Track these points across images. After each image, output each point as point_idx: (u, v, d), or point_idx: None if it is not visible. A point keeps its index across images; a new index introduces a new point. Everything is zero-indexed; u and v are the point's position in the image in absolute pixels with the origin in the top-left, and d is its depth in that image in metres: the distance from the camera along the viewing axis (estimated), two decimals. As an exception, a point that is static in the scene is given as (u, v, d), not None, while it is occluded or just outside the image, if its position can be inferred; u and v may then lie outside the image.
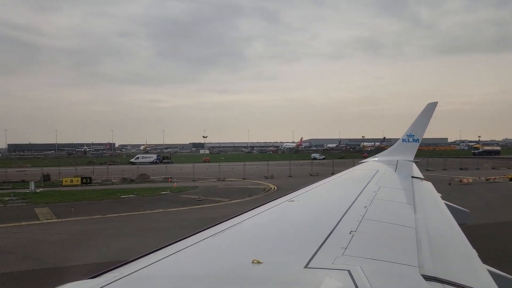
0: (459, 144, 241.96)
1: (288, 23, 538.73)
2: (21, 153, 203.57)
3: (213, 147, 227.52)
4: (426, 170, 64.23)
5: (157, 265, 2.50)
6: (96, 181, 52.49)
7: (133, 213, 29.34)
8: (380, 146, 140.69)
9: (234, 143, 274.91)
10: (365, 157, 18.67)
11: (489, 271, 2.93)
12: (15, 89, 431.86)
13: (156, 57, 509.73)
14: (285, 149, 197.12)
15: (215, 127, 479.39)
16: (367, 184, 6.43)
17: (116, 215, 28.48)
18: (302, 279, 2.24)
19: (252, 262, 2.40)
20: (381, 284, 2.19)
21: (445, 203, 5.86)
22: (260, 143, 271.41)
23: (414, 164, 11.47)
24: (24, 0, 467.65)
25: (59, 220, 27.02)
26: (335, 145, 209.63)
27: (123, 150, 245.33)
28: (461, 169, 67.03)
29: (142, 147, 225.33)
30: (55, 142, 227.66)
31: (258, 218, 3.99)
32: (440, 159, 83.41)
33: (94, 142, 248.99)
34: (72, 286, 2.17)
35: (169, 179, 52.08)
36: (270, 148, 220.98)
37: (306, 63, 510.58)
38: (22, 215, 28.43)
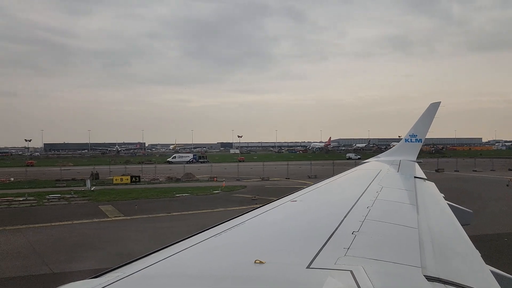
0: (494, 144, 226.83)
1: (315, 21, 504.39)
2: (56, 152, 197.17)
3: (241, 147, 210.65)
4: (473, 171, 59.88)
5: (160, 265, 2.39)
6: (143, 180, 50.91)
7: (196, 211, 28.35)
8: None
9: (262, 143, 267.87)
10: None
11: (492, 272, 2.80)
12: (50, 90, 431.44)
13: (184, 58, 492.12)
14: (314, 149, 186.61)
15: (242, 126, 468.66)
16: (370, 184, 6.24)
17: (180, 213, 27.89)
18: (304, 279, 2.14)
19: (255, 262, 2.31)
20: (384, 285, 2.10)
21: (447, 203, 5.63)
22: (288, 143, 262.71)
23: (417, 164, 11.05)
24: (60, 4, 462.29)
25: (127, 217, 26.54)
26: (364, 144, 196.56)
27: (153, 149, 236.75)
28: (510, 170, 61.22)
29: (171, 147, 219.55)
30: (88, 142, 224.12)
31: (260, 218, 3.86)
32: (479, 160, 76.94)
33: (125, 142, 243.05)
34: (75, 286, 2.07)
35: (215, 179, 50.50)
36: (298, 148, 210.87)
37: (333, 62, 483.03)
38: (90, 213, 28.07)
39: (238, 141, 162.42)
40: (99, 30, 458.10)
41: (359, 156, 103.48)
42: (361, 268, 2.22)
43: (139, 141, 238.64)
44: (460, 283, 2.34)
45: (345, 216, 3.68)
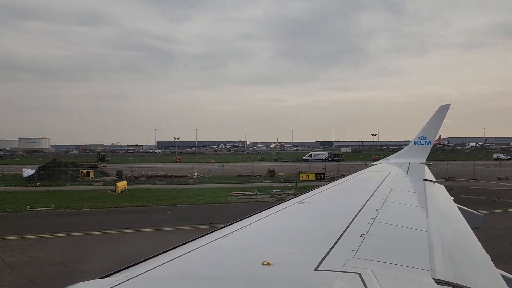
0: None
1: (414, 13, 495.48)
2: (166, 150, 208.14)
3: (340, 145, 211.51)
4: (498, 178, 49.87)
5: (168, 266, 2.41)
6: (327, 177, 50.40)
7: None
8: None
9: (362, 141, 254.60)
10: None
11: (503, 276, 2.75)
12: (155, 92, 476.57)
13: (277, 57, 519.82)
14: None
15: (338, 125, 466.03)
16: (379, 186, 6.16)
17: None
18: (312, 282, 2.13)
19: (262, 263, 2.30)
20: None
21: (457, 206, 5.55)
22: (391, 141, 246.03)
23: (426, 166, 10.86)
24: (162, 12, 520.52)
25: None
26: (480, 143, 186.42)
27: (254, 147, 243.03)
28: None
29: (272, 145, 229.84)
30: (195, 140, 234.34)
31: (268, 220, 3.86)
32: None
33: (228, 140, 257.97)
34: (84, 285, 2.08)
35: None
36: (403, 147, 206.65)
37: (435, 55, 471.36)
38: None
39: (337, 140, 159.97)
40: (198, 34, 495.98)
41: (509, 157, 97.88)
42: (370, 271, 2.21)
43: (240, 139, 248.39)
44: (470, 287, 2.31)
45: (353, 218, 3.71)
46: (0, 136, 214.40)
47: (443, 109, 12.38)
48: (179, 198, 33.57)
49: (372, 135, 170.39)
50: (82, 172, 52.16)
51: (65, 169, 52.21)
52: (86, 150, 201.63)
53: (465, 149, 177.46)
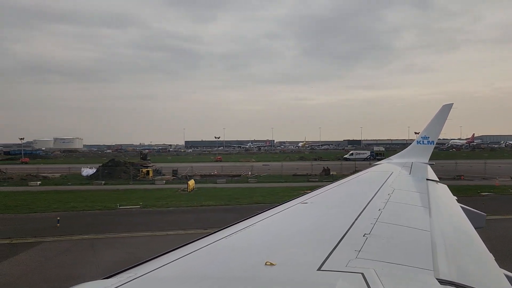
0: None
1: (443, 7, 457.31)
2: (196, 149, 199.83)
3: (369, 144, 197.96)
4: None
5: (171, 266, 2.30)
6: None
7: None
8: None
9: (391, 140, 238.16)
10: None
11: (507, 276, 2.59)
12: (182, 92, 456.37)
13: (302, 56, 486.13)
14: (453, 146, 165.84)
15: (366, 123, 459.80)
16: (381, 186, 5.95)
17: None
18: (315, 282, 2.04)
19: (265, 264, 2.22)
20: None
21: (460, 206, 5.27)
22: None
23: (429, 166, 10.36)
24: (189, 14, 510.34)
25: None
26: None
27: (282, 146, 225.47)
28: None
29: (300, 144, 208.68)
30: (223, 139, 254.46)
31: (271, 220, 3.70)
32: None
33: (255, 139, 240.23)
34: (87, 286, 1.97)
35: (462, 177, 45.32)
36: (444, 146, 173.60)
37: (466, 51, 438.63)
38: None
39: (366, 138, 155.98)
40: (222, 34, 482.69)
41: None
42: (373, 271, 2.12)
43: (267, 138, 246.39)
44: (473, 286, 2.20)
45: (356, 218, 3.53)
46: (35, 136, 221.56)
47: (446, 109, 12.08)
48: (255, 197, 31.76)
49: (415, 133, 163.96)
50: (142, 171, 50.17)
51: (124, 168, 50.68)
52: (118, 149, 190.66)
53: (501, 147, 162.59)
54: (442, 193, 6.37)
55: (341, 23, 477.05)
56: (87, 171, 53.28)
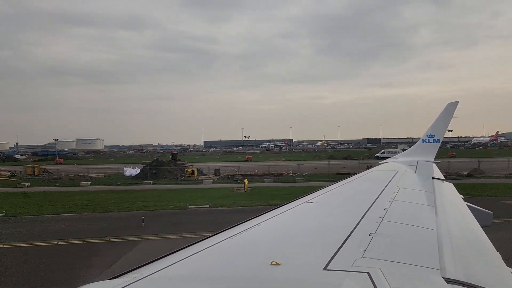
0: None
1: (462, 3, 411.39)
2: (214, 149, 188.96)
3: (389, 143, 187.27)
4: None
5: (177, 266, 2.26)
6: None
7: None
8: None
9: (412, 138, 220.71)
10: None
11: None
12: (198, 92, 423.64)
13: (317, 55, 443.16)
14: (476, 145, 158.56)
15: (384, 122, 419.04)
16: (387, 185, 5.79)
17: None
18: (321, 281, 1.98)
19: (271, 263, 2.17)
20: (402, 287, 1.90)
21: (467, 204, 5.10)
22: (445, 138, 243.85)
23: (434, 165, 10.04)
24: (203, 14, 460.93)
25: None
26: None
27: (300, 145, 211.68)
28: None
29: (319, 143, 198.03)
30: (242, 139, 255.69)
31: (276, 220, 3.65)
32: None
33: (273, 139, 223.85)
34: (94, 287, 1.93)
35: None
36: (456, 143, 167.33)
37: (485, 47, 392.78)
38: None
39: (385, 137, 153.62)
40: (237, 34, 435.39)
41: None
42: (379, 270, 2.05)
43: (284, 137, 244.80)
44: (480, 285, 2.09)
45: (361, 218, 3.42)
46: (56, 137, 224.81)
47: (451, 107, 11.81)
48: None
49: (449, 131, 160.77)
50: (187, 170, 48.11)
51: (168, 168, 48.27)
52: (140, 150, 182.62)
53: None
54: (448, 191, 6.15)
55: (357, 21, 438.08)
56: (130, 171, 53.35)
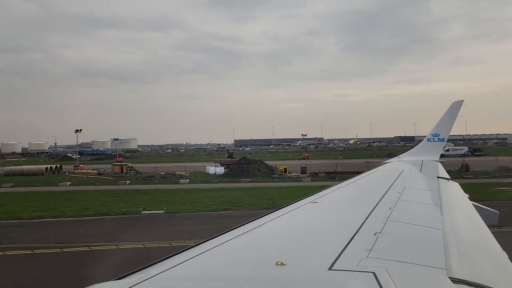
0: None
1: None
2: (245, 148, 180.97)
3: (421, 141, 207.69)
4: None
5: (182, 267, 2.24)
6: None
7: None
8: None
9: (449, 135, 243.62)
10: None
11: None
12: (223, 91, 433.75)
13: (343, 52, 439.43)
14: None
15: (417, 119, 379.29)
16: (392, 184, 5.84)
17: None
18: (326, 281, 1.98)
19: (276, 263, 2.16)
20: (407, 287, 1.88)
21: (473, 203, 5.07)
22: (479, 135, 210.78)
23: (440, 164, 10.01)
24: (228, 14, 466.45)
25: None
26: None
27: (330, 144, 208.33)
28: None
29: (351, 141, 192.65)
30: (272, 138, 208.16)
31: (281, 220, 3.63)
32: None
33: (304, 137, 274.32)
34: (99, 287, 1.90)
35: None
36: (495, 141, 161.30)
37: None
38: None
39: (419, 134, 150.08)
40: (262, 33, 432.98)
41: None
42: (384, 270, 2.04)
43: (315, 136, 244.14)
44: (486, 285, 2.08)
45: (367, 217, 3.39)
46: (93, 138, 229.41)
47: (456, 106, 11.70)
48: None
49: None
50: (279, 168, 47.04)
51: (257, 166, 47.44)
52: (174, 149, 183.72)
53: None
54: (454, 191, 6.05)
55: (383, 17, 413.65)
56: (214, 169, 54.08)
